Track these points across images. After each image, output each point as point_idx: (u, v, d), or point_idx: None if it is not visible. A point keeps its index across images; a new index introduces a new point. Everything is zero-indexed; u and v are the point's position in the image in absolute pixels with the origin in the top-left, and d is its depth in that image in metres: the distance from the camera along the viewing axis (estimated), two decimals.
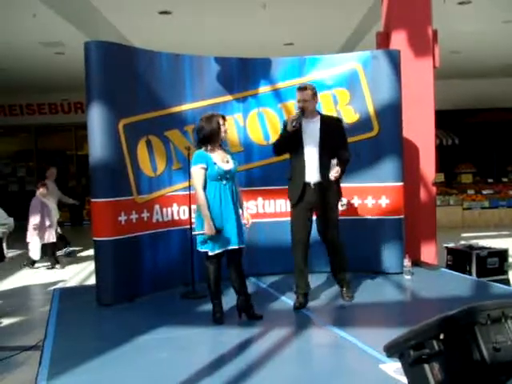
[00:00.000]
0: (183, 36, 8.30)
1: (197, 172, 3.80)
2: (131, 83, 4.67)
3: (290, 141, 4.09)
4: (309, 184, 4.13)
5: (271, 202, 5.38)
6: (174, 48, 5.67)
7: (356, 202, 5.41)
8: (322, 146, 4.10)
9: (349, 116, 5.35)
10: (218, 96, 5.19)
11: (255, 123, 5.36)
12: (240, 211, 3.89)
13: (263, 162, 5.28)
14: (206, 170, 3.77)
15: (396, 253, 5.28)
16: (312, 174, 4.13)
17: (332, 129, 4.15)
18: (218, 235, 3.72)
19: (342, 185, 4.34)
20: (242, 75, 5.28)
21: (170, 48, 5.47)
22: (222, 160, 3.84)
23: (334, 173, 3.97)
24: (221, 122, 3.82)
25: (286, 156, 4.35)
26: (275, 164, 5.06)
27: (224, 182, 3.78)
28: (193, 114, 5.06)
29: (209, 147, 3.81)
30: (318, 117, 4.22)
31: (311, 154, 4.11)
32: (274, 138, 4.70)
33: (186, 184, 4.69)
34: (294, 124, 3.99)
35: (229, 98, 5.24)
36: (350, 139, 4.61)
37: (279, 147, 4.22)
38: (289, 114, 4.93)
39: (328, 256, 4.31)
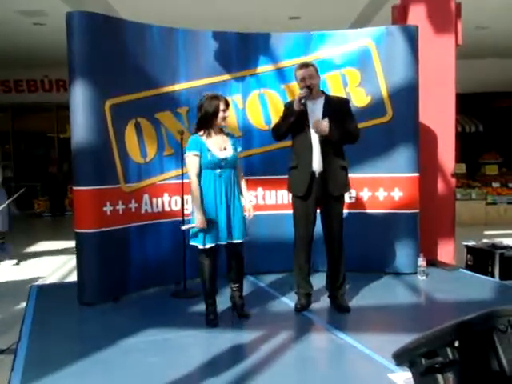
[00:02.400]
0: (177, 7, 8.27)
1: (189, 159, 3.86)
2: (119, 59, 4.67)
3: (295, 123, 4.08)
4: (314, 173, 4.12)
5: (272, 192, 5.41)
6: (166, 21, 5.68)
7: (366, 194, 5.43)
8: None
9: (359, 99, 5.36)
10: (215, 75, 5.21)
11: (256, 106, 5.37)
12: (242, 202, 3.93)
13: (264, 149, 5.29)
14: (200, 157, 3.82)
15: (409, 251, 5.31)
16: (317, 162, 4.12)
17: (338, 110, 4.14)
18: (209, 228, 3.76)
19: (350, 175, 4.34)
20: (242, 52, 5.29)
21: (163, 21, 5.47)
22: (218, 147, 3.86)
23: (319, 122, 3.97)
24: (221, 106, 3.84)
25: (289, 142, 4.35)
26: (277, 151, 5.11)
27: (218, 170, 3.83)
28: (187, 95, 5.09)
29: (205, 132, 3.86)
30: (323, 97, 4.23)
31: (315, 139, 4.12)
32: (275, 121, 4.66)
33: (179, 172, 4.73)
34: (302, 101, 3.99)
35: (227, 77, 5.25)
36: (361, 125, 4.61)
37: (280, 131, 4.19)
38: (293, 96, 4.79)
39: (327, 258, 4.32)
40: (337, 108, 4.15)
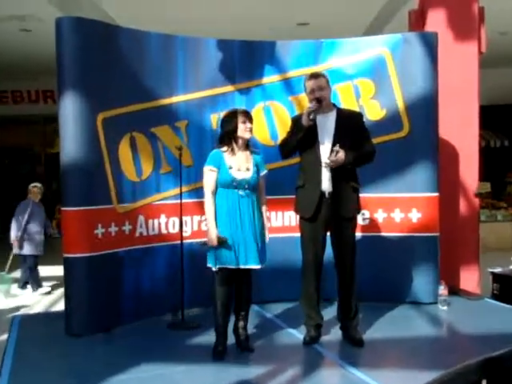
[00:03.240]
0: (177, 12, 8.33)
1: (206, 173, 3.96)
2: (112, 69, 4.71)
3: (304, 139, 4.08)
4: (324, 193, 4.11)
5: (278, 214, 5.42)
6: (165, 27, 5.76)
7: (380, 215, 5.41)
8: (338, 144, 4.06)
9: (373, 112, 5.36)
10: (217, 86, 5.26)
11: (261, 119, 5.36)
12: (261, 227, 4.01)
13: (270, 167, 5.00)
14: (217, 173, 3.91)
15: (429, 278, 5.28)
16: (327, 181, 4.13)
17: (351, 124, 4.14)
18: (222, 248, 3.83)
19: (363, 195, 4.35)
20: (246, 61, 5.33)
21: (161, 27, 5.56)
22: (238, 166, 3.93)
23: (332, 157, 3.95)
24: (240, 119, 3.92)
25: (297, 159, 4.37)
26: (284, 168, 5.08)
27: (236, 190, 3.90)
28: (186, 108, 5.13)
29: (228, 148, 3.95)
30: (334, 110, 4.23)
31: (325, 156, 4.12)
32: (282, 137, 4.65)
33: (177, 191, 4.80)
34: (311, 116, 3.96)
35: (229, 88, 5.29)
36: (375, 140, 4.62)
37: (288, 147, 4.20)
38: (302, 109, 4.83)
39: (338, 285, 4.31)
40: (350, 123, 4.15)
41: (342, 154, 3.90)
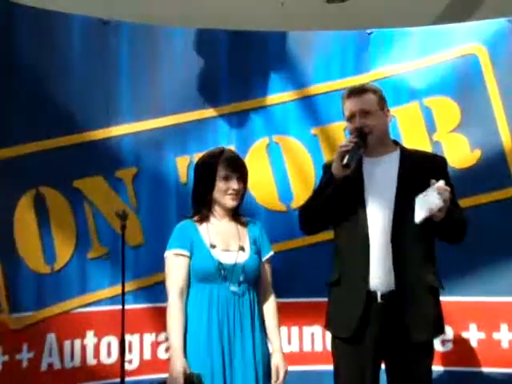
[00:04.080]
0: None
1: (169, 261, 3.46)
2: (6, 79, 4.29)
3: (337, 200, 3.52)
4: (375, 296, 3.40)
5: (295, 330, 4.64)
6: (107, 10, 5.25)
7: (474, 335, 4.58)
8: (402, 211, 3.44)
9: (458, 154, 4.66)
10: (188, 110, 4.65)
11: (263, 166, 4.76)
12: (270, 348, 3.57)
13: (279, 247, 4.38)
14: (190, 258, 3.41)
15: None
16: (382, 274, 3.43)
17: (425, 177, 3.39)
18: None
19: (444, 298, 3.62)
20: (238, 67, 4.72)
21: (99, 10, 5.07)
22: (226, 244, 3.47)
23: (435, 206, 3.27)
24: (221, 171, 3.44)
25: (327, 236, 3.84)
26: (306, 250, 4.54)
27: (225, 285, 3.37)
28: (134, 145, 4.62)
29: (202, 216, 3.50)
30: (396, 151, 3.62)
31: (381, 230, 3.44)
32: (302, 196, 4.32)
33: (116, 290, 4.26)
34: (345, 162, 3.38)
35: (210, 113, 4.70)
36: (463, 202, 3.85)
37: (315, 214, 3.63)
38: (334, 149, 4.12)
39: None
40: (423, 174, 3.43)
41: (447, 193, 3.30)
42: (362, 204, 3.51)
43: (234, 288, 3.39)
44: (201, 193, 3.50)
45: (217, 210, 3.50)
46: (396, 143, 3.71)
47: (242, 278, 3.41)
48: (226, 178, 3.40)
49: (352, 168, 3.42)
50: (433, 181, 3.32)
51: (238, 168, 3.50)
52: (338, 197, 3.51)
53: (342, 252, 3.59)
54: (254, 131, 4.78)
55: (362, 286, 3.42)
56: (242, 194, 3.55)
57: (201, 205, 3.50)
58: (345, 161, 3.35)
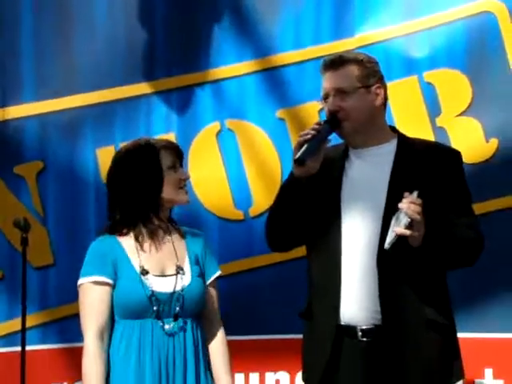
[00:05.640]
0: None
1: (85, 291, 2.91)
2: None
3: (299, 207, 2.97)
4: (351, 331, 2.82)
5: (254, 378, 4.20)
6: None
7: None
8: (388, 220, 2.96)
9: (470, 144, 4.16)
10: (112, 85, 4.19)
11: (213, 160, 4.31)
12: None
13: (235, 267, 4.19)
14: (112, 287, 2.88)
15: None
16: (360, 303, 2.86)
17: (431, 175, 2.96)
18: None
19: (460, 334, 3.11)
20: (178, 29, 4.30)
21: None
22: (161, 267, 2.96)
23: (402, 224, 2.77)
24: (165, 160, 2.94)
25: (300, 252, 3.29)
26: (268, 271, 4.09)
27: (157, 322, 2.85)
28: (40, 131, 4.19)
29: (129, 229, 2.93)
30: (392, 142, 3.03)
31: (363, 249, 2.87)
32: (264, 199, 4.01)
33: (14, 325, 4.01)
34: (297, 156, 2.84)
35: (142, 89, 4.23)
36: (477, 208, 3.26)
37: (278, 223, 3.06)
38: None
39: None
40: (427, 174, 2.95)
41: (417, 206, 2.76)
42: (336, 214, 2.90)
43: (168, 326, 2.84)
44: (141, 193, 2.87)
45: (153, 218, 2.90)
46: (394, 130, 3.08)
47: (179, 311, 2.88)
48: (174, 166, 2.92)
49: (310, 166, 2.79)
50: (406, 194, 2.73)
51: (180, 153, 3.01)
52: (299, 203, 2.88)
53: (312, 275, 3.03)
54: (200, 114, 4.33)
55: (331, 318, 2.82)
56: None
57: (137, 211, 2.89)
58: (297, 155, 2.77)
